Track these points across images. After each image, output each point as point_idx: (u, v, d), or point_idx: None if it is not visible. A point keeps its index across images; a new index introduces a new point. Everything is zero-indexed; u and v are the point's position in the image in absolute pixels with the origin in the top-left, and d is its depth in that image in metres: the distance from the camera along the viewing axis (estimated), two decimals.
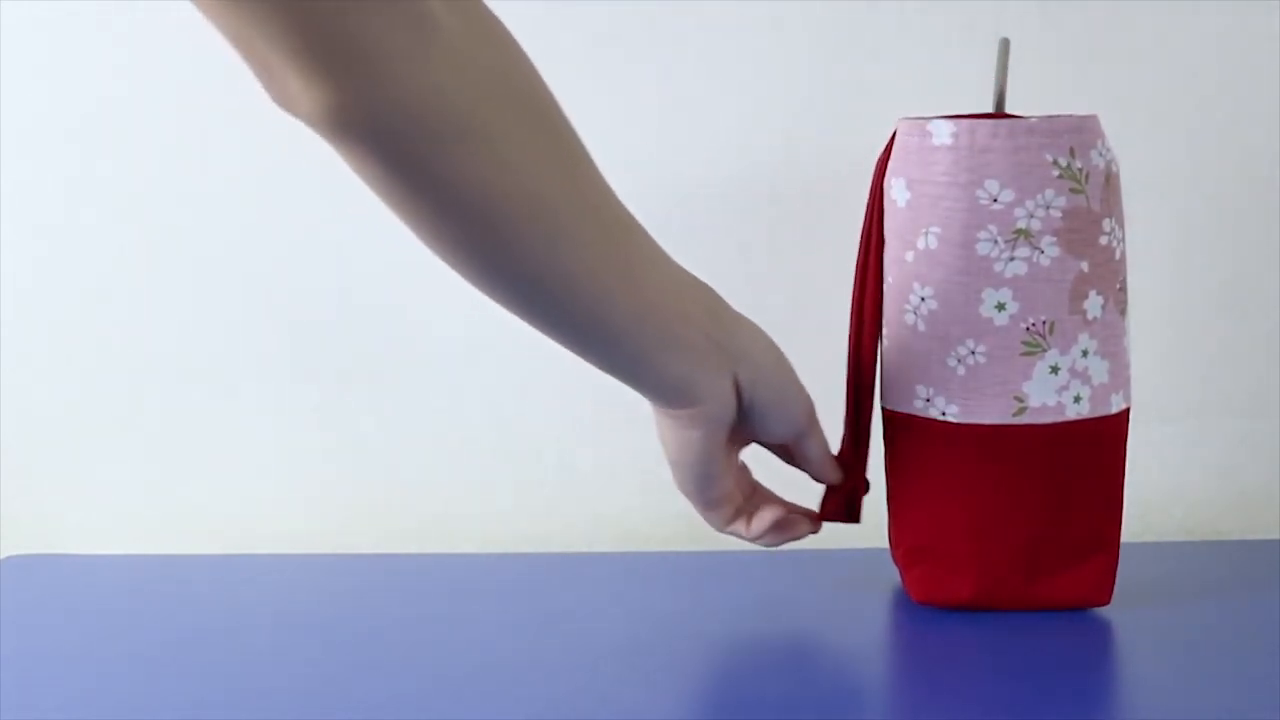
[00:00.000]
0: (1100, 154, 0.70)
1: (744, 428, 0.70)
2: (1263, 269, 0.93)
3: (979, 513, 0.72)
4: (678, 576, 0.82)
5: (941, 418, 0.71)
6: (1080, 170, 0.69)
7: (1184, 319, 0.94)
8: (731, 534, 0.74)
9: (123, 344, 0.98)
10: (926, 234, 0.70)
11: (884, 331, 0.74)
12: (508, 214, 0.58)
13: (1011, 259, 0.69)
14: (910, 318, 0.72)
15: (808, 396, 0.72)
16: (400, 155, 0.55)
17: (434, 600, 0.79)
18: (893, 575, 0.79)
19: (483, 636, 0.73)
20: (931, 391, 0.72)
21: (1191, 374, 0.95)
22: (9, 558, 0.89)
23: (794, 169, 0.93)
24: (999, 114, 0.71)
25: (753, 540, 0.74)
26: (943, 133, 0.69)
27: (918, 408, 0.72)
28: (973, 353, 0.70)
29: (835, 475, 0.75)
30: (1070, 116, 0.69)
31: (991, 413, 0.71)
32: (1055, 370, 0.70)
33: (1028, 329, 0.70)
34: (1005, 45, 0.71)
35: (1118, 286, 0.71)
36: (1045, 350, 0.70)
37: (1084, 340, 0.70)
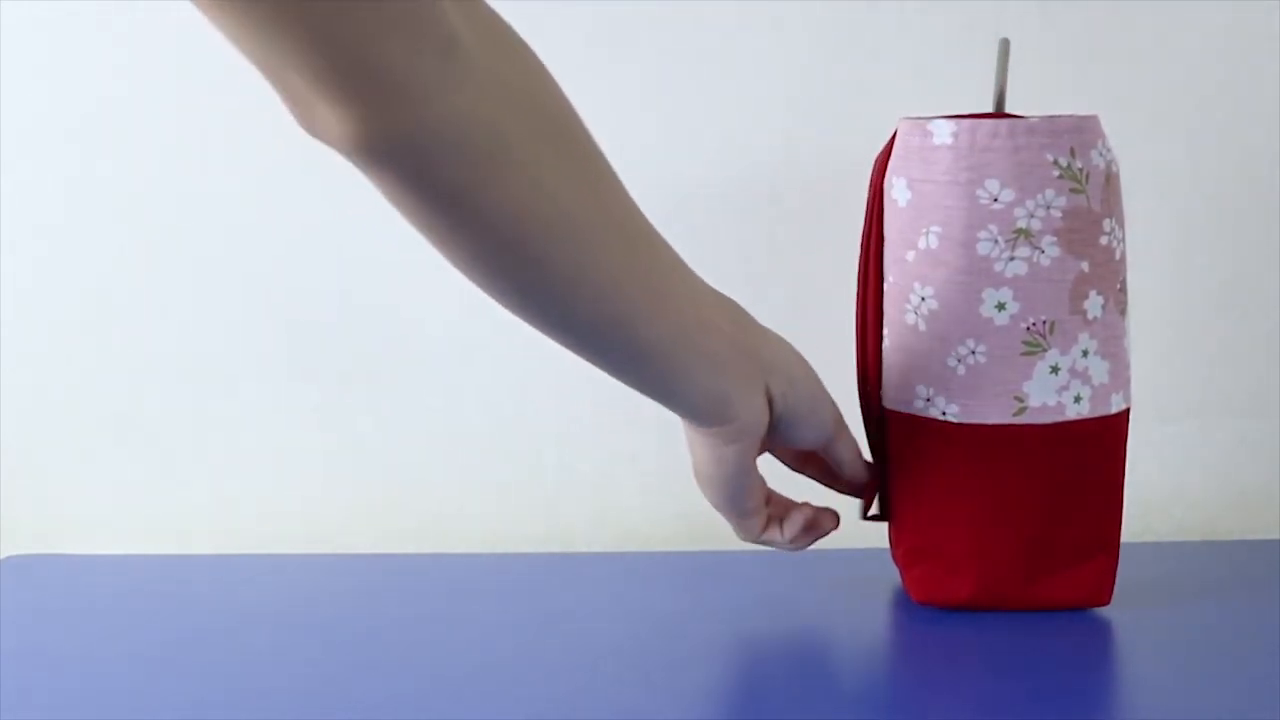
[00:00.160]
0: (1101, 154, 0.70)
1: (772, 438, 0.70)
2: (1263, 269, 0.93)
3: (979, 513, 0.72)
4: (678, 576, 0.82)
5: (942, 418, 0.71)
6: (1081, 170, 0.69)
7: (1184, 319, 0.94)
8: (765, 543, 0.75)
9: (123, 344, 0.97)
10: (927, 233, 0.70)
11: (885, 331, 0.74)
12: (536, 234, 0.58)
13: (1012, 259, 0.69)
14: (911, 317, 0.72)
15: (834, 402, 0.72)
16: (429, 179, 0.55)
17: (433, 600, 0.79)
18: (893, 575, 0.79)
19: (483, 636, 0.73)
20: (932, 391, 0.72)
21: (1191, 374, 0.95)
22: (9, 558, 0.89)
23: (794, 169, 0.93)
24: (999, 114, 0.71)
25: (789, 544, 0.75)
26: (943, 132, 0.69)
27: (918, 407, 0.72)
28: (973, 352, 0.70)
29: (865, 475, 0.75)
30: (1071, 116, 0.69)
31: (992, 413, 0.71)
32: (1055, 370, 0.70)
33: (1028, 329, 0.70)
34: (1005, 45, 0.71)
35: (1118, 286, 0.71)
36: (1045, 350, 0.70)
37: (1084, 340, 0.70)
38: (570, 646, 0.72)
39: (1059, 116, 0.69)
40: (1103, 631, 0.72)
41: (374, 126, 0.53)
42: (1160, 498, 0.95)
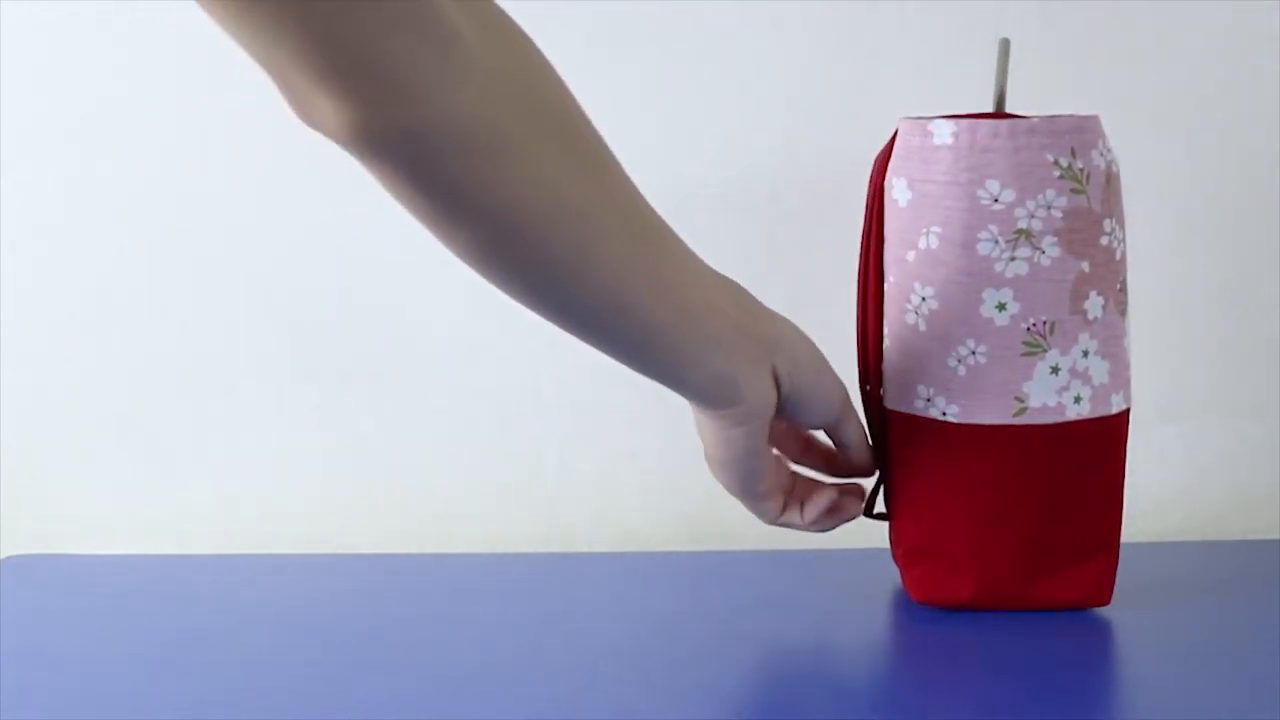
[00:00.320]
0: (1101, 154, 0.70)
1: (781, 418, 0.70)
2: (1263, 269, 0.93)
3: (979, 513, 0.72)
4: (678, 576, 0.82)
5: (942, 418, 0.71)
6: (1081, 170, 0.69)
7: (1184, 319, 0.94)
8: (784, 525, 0.74)
9: (123, 344, 0.97)
10: (927, 234, 0.70)
11: (885, 331, 0.74)
12: (538, 226, 0.58)
13: (1012, 259, 0.69)
14: (911, 317, 0.72)
15: (841, 383, 0.72)
16: (429, 171, 0.55)
17: (434, 600, 0.79)
18: (893, 575, 0.79)
19: (483, 636, 0.73)
20: (932, 391, 0.72)
21: (1191, 374, 0.95)
22: (9, 558, 0.89)
23: (794, 169, 0.93)
24: (999, 114, 0.71)
25: (808, 527, 0.74)
26: (944, 132, 0.69)
27: (918, 408, 0.72)
28: (973, 353, 0.70)
29: (871, 460, 0.75)
30: (1071, 116, 0.69)
31: (992, 413, 0.71)
32: (1056, 370, 0.70)
33: (1028, 329, 0.70)
34: (1005, 45, 0.71)
35: (1118, 287, 0.71)
36: (1046, 350, 0.70)
37: (1084, 340, 0.70)
38: (570, 646, 0.72)
39: (1059, 116, 0.69)
40: (1103, 631, 0.72)
41: (373, 121, 0.53)
42: (1160, 498, 0.95)
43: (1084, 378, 0.71)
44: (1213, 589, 0.78)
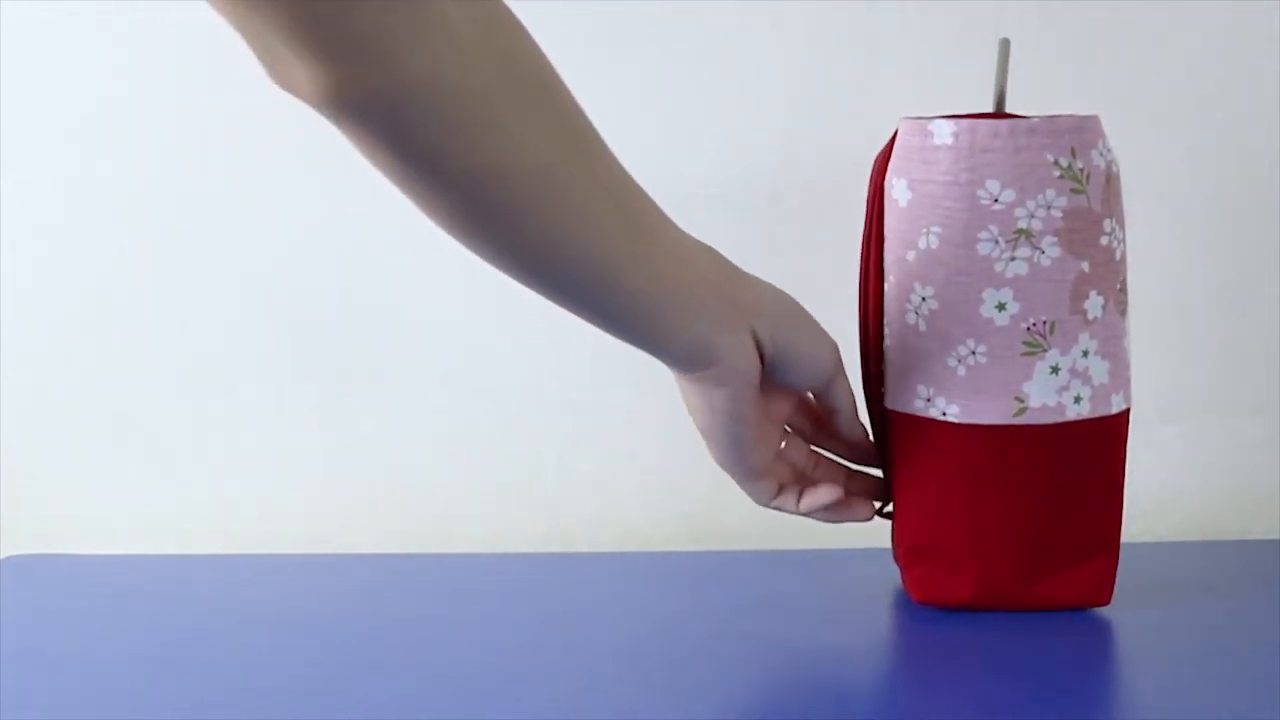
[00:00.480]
0: (1101, 154, 0.70)
1: (772, 383, 0.70)
2: (1263, 269, 0.93)
3: (979, 513, 0.72)
4: (678, 576, 0.82)
5: (942, 418, 0.71)
6: (1081, 170, 0.69)
7: (1184, 319, 0.94)
8: (777, 508, 0.74)
9: (123, 344, 0.97)
10: (927, 234, 0.70)
11: (885, 331, 0.74)
12: (514, 192, 0.58)
13: (1012, 259, 0.69)
14: (911, 317, 0.72)
15: (833, 342, 0.71)
16: (403, 135, 0.55)
17: (434, 600, 0.79)
18: (893, 575, 0.79)
19: (483, 636, 0.73)
20: (932, 391, 0.72)
21: (1191, 374, 0.95)
22: (9, 558, 0.89)
23: (794, 169, 0.93)
24: (1000, 114, 0.71)
25: (806, 515, 0.74)
26: (944, 132, 0.69)
27: (918, 407, 0.72)
28: (973, 353, 0.70)
29: (860, 430, 0.75)
30: (1071, 116, 0.69)
31: (992, 413, 0.71)
32: (1056, 370, 0.70)
33: (1028, 329, 0.70)
34: (1005, 45, 0.71)
35: (1118, 287, 0.71)
36: (1046, 350, 0.70)
37: (1084, 340, 0.70)
38: (570, 646, 0.72)
39: (1059, 116, 0.69)
40: (1103, 631, 0.72)
41: (348, 84, 0.53)
42: (1160, 498, 0.95)
43: (1084, 378, 0.71)
44: (1213, 589, 0.78)
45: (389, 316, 0.97)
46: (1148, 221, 0.86)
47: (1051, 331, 0.70)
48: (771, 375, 0.69)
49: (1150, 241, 0.89)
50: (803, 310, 0.70)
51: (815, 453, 0.76)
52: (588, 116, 0.61)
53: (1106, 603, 0.74)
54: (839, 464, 0.76)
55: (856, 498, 0.75)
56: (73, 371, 0.98)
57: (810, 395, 0.74)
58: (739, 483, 0.73)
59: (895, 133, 0.72)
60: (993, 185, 0.69)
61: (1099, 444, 0.72)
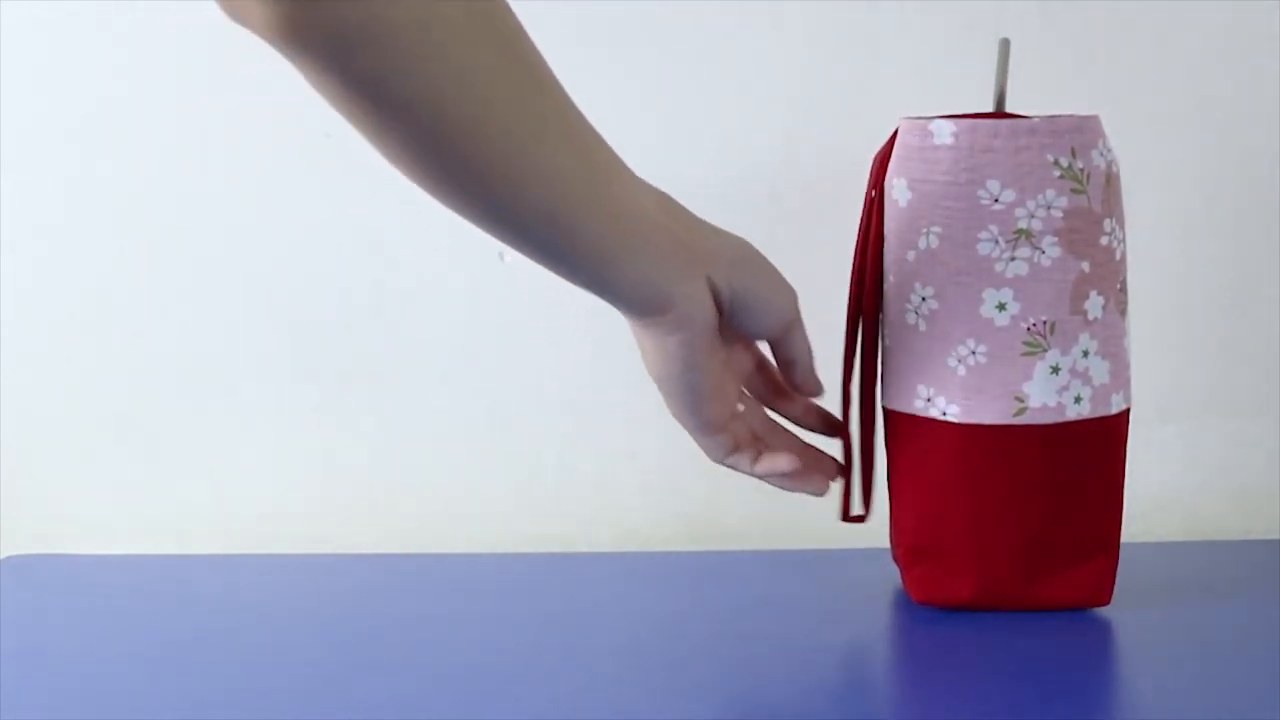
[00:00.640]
0: (1101, 154, 0.70)
1: (731, 330, 0.69)
2: (1263, 269, 0.93)
3: (979, 513, 0.72)
4: (678, 576, 0.82)
5: (942, 418, 0.71)
6: (1081, 170, 0.69)
7: (1184, 319, 0.94)
8: (731, 466, 0.72)
9: (123, 344, 0.97)
10: (927, 234, 0.70)
11: (885, 331, 0.74)
12: (466, 127, 0.57)
13: (1012, 259, 0.69)
14: (911, 317, 0.72)
15: (792, 290, 0.70)
16: (354, 69, 0.55)
17: (434, 600, 0.79)
18: (893, 575, 0.79)
19: (483, 636, 0.73)
20: (932, 391, 0.72)
21: (1191, 374, 0.95)
22: (9, 558, 0.89)
23: (794, 169, 0.93)
24: (1000, 114, 0.71)
25: (759, 478, 0.72)
26: (944, 132, 0.69)
27: (918, 407, 0.72)
28: (973, 353, 0.70)
29: (816, 384, 0.73)
30: (1071, 116, 0.69)
31: (992, 413, 0.71)
32: (1056, 370, 0.70)
33: (1028, 329, 0.70)
34: (1005, 45, 0.71)
35: (1118, 287, 0.71)
36: (1046, 350, 0.70)
37: (1084, 340, 0.70)
38: (570, 646, 0.72)
39: (1059, 116, 0.69)
40: (1103, 631, 0.72)
41: (299, 16, 0.53)
42: (1160, 498, 0.95)
43: (1084, 378, 0.71)
44: (1213, 589, 0.78)
45: (389, 316, 0.97)
46: (1148, 221, 0.86)
47: (1052, 331, 0.70)
48: (730, 322, 0.68)
49: (1150, 241, 0.89)
50: (761, 257, 0.69)
51: (772, 421, 0.75)
52: (542, 57, 0.60)
53: (1106, 603, 0.74)
54: (795, 436, 0.75)
55: (813, 471, 0.74)
56: (73, 371, 0.98)
57: (769, 347, 0.73)
58: (693, 435, 0.71)
59: (895, 132, 0.72)
60: (993, 185, 0.69)
61: (1099, 444, 0.72)
